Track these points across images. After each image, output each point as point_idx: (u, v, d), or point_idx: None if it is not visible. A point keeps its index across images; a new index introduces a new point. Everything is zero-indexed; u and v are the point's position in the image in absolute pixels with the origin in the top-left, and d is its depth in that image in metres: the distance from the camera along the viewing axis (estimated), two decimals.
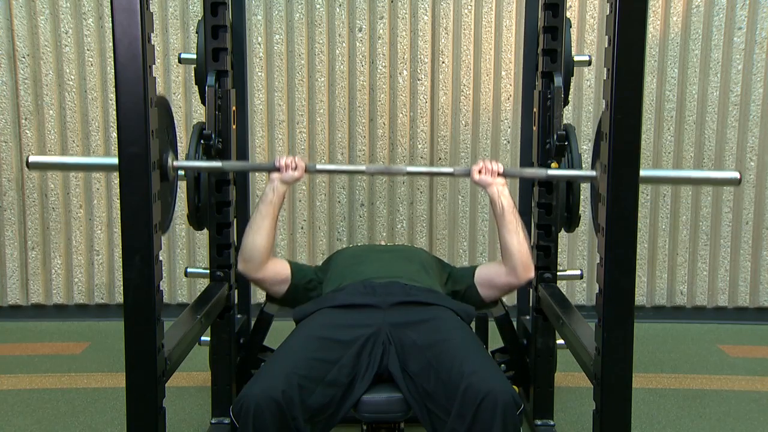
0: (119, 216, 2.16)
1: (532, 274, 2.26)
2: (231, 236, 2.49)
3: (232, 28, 2.44)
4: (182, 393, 2.86)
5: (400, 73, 3.64)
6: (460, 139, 3.68)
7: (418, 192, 3.73)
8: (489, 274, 2.32)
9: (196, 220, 2.35)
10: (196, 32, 2.40)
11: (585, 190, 3.67)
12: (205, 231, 2.50)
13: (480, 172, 2.20)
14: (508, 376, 2.59)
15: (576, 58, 2.42)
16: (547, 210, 2.45)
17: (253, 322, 2.63)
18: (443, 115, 3.67)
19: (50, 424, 2.63)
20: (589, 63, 2.56)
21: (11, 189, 3.69)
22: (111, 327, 3.64)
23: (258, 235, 2.21)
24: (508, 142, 3.66)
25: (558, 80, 2.35)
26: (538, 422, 2.53)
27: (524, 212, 2.65)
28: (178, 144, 3.56)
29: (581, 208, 2.37)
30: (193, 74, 2.44)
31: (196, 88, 2.44)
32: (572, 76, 2.45)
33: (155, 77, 1.72)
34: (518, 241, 2.21)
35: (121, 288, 1.70)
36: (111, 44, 1.63)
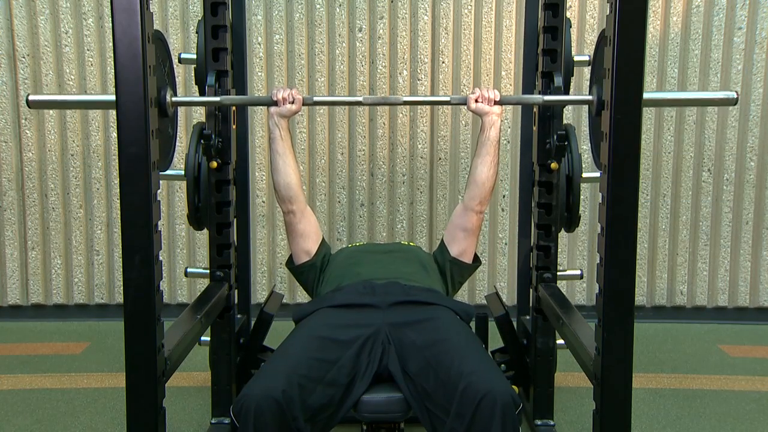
0: (119, 216, 2.16)
1: (484, 207, 2.36)
2: (231, 236, 2.49)
3: (232, 28, 2.44)
4: (182, 393, 2.86)
5: (400, 73, 3.64)
6: (460, 139, 3.68)
7: (418, 192, 3.73)
8: (451, 224, 2.42)
9: (196, 220, 2.35)
10: (196, 32, 2.40)
11: (585, 190, 3.68)
12: (205, 231, 2.50)
13: (477, 100, 2.21)
14: (508, 376, 2.59)
15: (576, 58, 2.42)
16: (547, 210, 2.45)
17: (253, 322, 2.63)
18: (443, 115, 3.67)
19: (50, 424, 2.64)
20: (589, 63, 2.56)
21: (11, 189, 3.69)
22: (111, 327, 3.64)
23: (286, 175, 2.29)
24: (508, 142, 3.66)
25: (558, 80, 2.35)
26: (538, 422, 2.53)
27: (524, 212, 2.66)
28: (178, 144, 3.57)
29: (581, 208, 2.38)
30: (193, 74, 2.44)
31: (196, 88, 2.44)
32: (572, 76, 2.44)
33: (155, 77, 1.72)
34: (487, 175, 2.29)
35: (121, 288, 1.70)
36: (111, 44, 1.63)
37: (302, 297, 3.70)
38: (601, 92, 1.90)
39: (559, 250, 2.54)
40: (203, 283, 2.53)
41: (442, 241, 2.45)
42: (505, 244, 3.77)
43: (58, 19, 3.58)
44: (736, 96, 2.01)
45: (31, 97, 2.03)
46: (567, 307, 2.22)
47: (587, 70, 3.58)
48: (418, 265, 2.35)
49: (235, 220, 2.53)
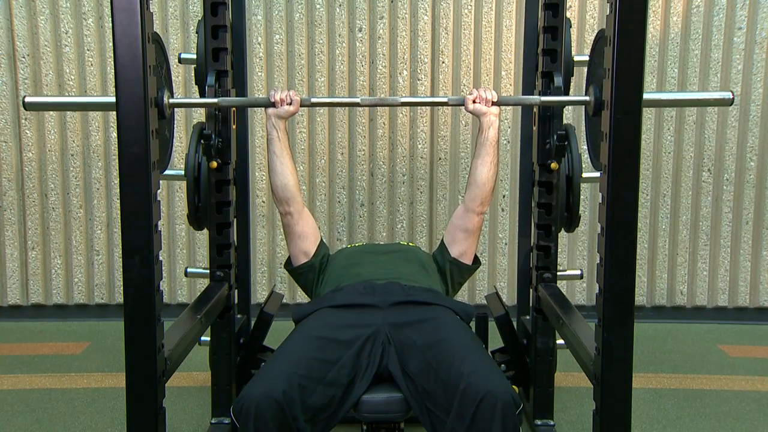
0: (119, 216, 2.16)
1: (485, 208, 2.35)
2: (231, 236, 2.49)
3: (232, 28, 2.44)
4: (182, 393, 2.86)
5: (400, 73, 3.64)
6: (460, 139, 3.68)
7: (418, 192, 3.73)
8: (452, 225, 2.42)
9: (196, 220, 2.35)
10: (196, 32, 2.40)
11: (585, 190, 3.68)
12: (205, 231, 2.50)
13: (475, 101, 2.21)
14: (508, 376, 2.59)
15: (576, 58, 2.42)
16: (547, 210, 2.45)
17: (253, 322, 2.63)
18: (443, 115, 3.67)
19: (50, 424, 2.64)
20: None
21: (11, 189, 3.69)
22: (111, 327, 3.64)
23: (284, 176, 2.29)
24: (508, 142, 3.66)
25: (558, 80, 2.35)
26: (538, 422, 2.53)
27: (524, 212, 2.66)
28: (178, 144, 3.57)
29: (581, 208, 2.38)
30: (193, 74, 2.44)
31: (196, 88, 2.44)
32: (572, 76, 2.44)
33: (155, 77, 1.72)
34: (488, 176, 2.29)
35: (121, 288, 1.70)
36: (111, 44, 1.63)
37: (302, 297, 3.70)
38: (598, 92, 1.91)
39: (559, 250, 2.54)
40: (203, 283, 2.53)
41: (443, 241, 2.45)
42: (505, 244, 3.77)
43: (58, 19, 3.58)
44: (731, 96, 2.02)
45: (27, 99, 2.02)
46: (567, 307, 2.22)
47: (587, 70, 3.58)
48: (418, 265, 2.35)
49: (235, 220, 2.53)
